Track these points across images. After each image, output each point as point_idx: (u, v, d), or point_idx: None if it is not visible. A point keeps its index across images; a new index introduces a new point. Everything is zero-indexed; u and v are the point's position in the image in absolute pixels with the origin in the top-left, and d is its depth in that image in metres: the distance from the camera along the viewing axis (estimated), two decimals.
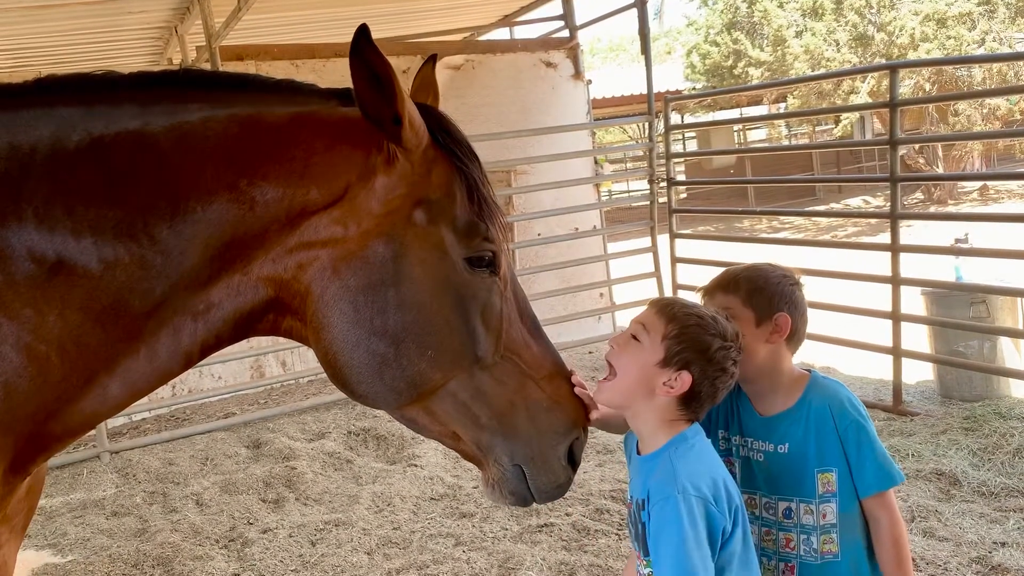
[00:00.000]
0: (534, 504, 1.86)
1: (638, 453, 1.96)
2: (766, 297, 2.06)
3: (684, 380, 1.83)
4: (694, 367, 1.83)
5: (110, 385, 1.57)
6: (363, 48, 1.53)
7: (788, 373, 2.10)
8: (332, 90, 1.75)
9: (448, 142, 1.73)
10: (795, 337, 2.09)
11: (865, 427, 2.03)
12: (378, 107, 1.59)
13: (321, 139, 1.65)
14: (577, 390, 1.89)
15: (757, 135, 30.85)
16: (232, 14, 5.85)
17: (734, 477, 2.13)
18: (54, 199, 1.48)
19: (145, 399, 7.54)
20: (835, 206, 22.27)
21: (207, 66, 6.27)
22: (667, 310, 1.89)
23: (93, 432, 6.62)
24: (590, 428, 1.96)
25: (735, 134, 27.64)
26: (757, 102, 25.86)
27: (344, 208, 1.65)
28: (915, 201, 21.30)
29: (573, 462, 1.86)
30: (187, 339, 1.61)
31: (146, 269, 1.53)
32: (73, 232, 1.48)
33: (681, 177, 25.26)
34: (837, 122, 21.55)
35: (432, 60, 2.06)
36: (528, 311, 1.86)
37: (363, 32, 1.53)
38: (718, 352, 1.84)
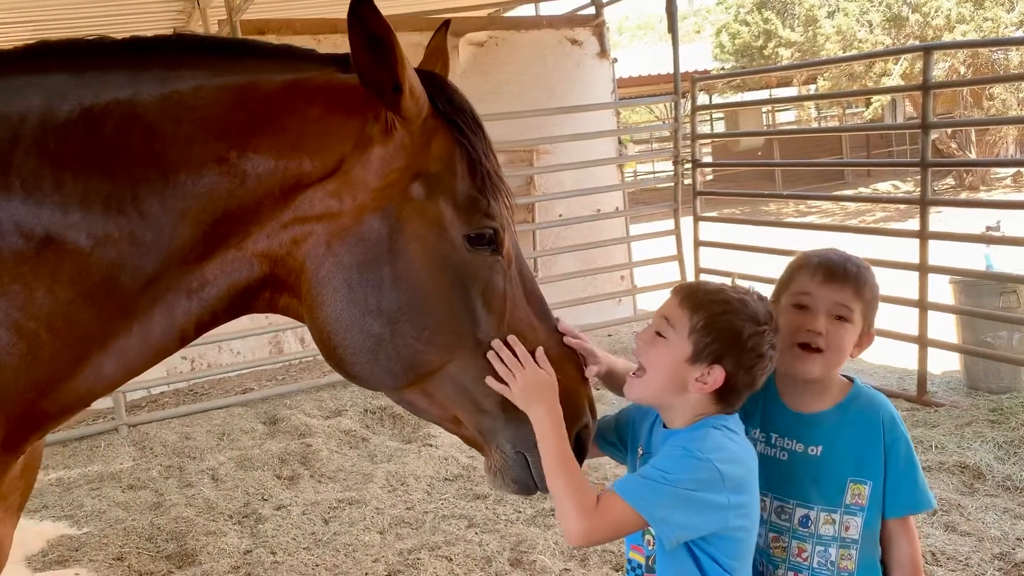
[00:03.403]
0: (539, 492, 1.78)
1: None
2: None
3: (717, 375, 1.72)
4: (727, 360, 1.71)
5: (104, 363, 1.54)
6: (362, 9, 1.45)
7: (832, 375, 1.98)
8: (331, 56, 1.67)
9: (450, 112, 1.65)
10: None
11: (911, 446, 1.93)
12: (377, 73, 1.51)
13: (315, 108, 1.58)
14: (571, 340, 1.81)
15: (786, 117, 30.38)
16: None
17: None
18: (42, 171, 1.44)
19: (164, 372, 7.56)
20: (864, 190, 21.95)
21: None
22: (691, 299, 1.76)
23: (111, 405, 6.67)
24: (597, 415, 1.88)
25: (764, 116, 27.27)
26: (787, 83, 25.45)
27: (339, 181, 1.58)
28: (946, 187, 20.92)
29: (581, 450, 1.79)
30: (181, 316, 1.57)
31: (136, 245, 1.48)
32: (61, 206, 1.44)
33: (708, 159, 25.11)
34: (868, 105, 21.20)
35: (445, 26, 1.98)
36: (535, 292, 1.78)
37: None
38: (751, 338, 1.71)
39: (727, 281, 1.95)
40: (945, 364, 6.54)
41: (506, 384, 1.67)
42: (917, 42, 17.75)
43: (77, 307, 1.47)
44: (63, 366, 1.51)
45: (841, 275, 1.90)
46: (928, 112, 5.70)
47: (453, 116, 1.65)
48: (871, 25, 19.09)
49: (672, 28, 7.82)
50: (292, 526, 4.73)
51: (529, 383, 1.66)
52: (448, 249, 1.62)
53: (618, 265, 8.78)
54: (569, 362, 1.78)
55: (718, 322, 1.72)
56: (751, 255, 7.40)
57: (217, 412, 6.80)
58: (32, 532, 4.91)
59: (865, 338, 1.93)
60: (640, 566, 1.84)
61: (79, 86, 1.48)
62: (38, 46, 1.51)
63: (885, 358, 6.91)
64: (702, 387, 1.72)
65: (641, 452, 1.93)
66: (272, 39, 7.10)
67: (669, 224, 8.58)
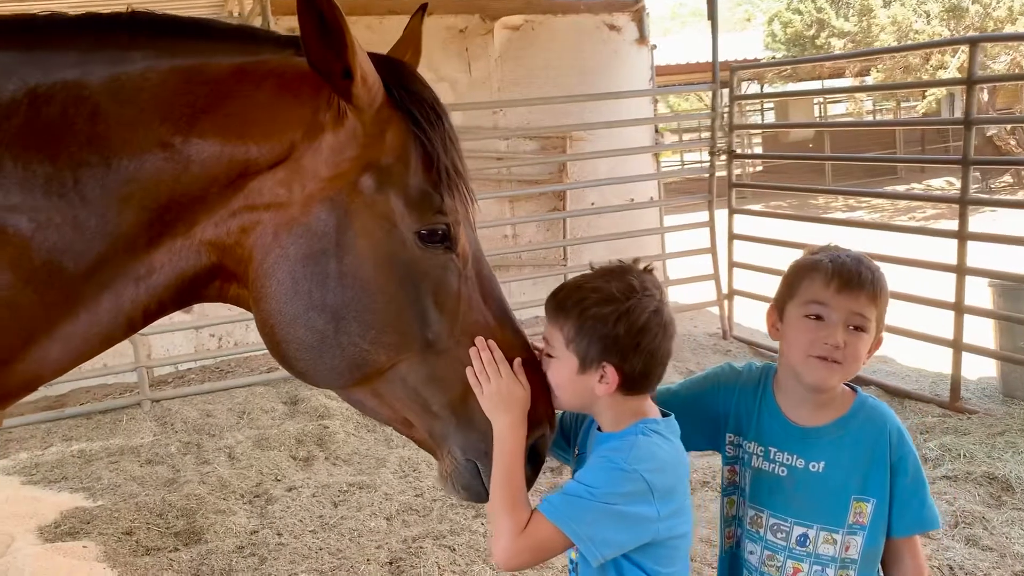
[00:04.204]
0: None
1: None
2: None
3: (610, 373, 1.65)
4: (610, 354, 1.64)
5: (50, 348, 1.51)
6: None
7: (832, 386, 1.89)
8: (290, 38, 1.61)
9: (408, 102, 1.58)
10: None
11: (919, 462, 1.83)
12: (327, 59, 1.46)
13: (263, 92, 1.53)
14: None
15: (839, 109, 29.63)
16: None
17: (740, 490, 1.95)
18: None
19: (192, 349, 7.59)
20: (916, 186, 21.34)
21: (258, 21, 6.21)
22: (553, 312, 1.71)
23: (135, 379, 6.76)
24: None
25: (816, 107, 26.62)
26: (840, 74, 24.82)
27: (289, 169, 1.53)
28: (1003, 185, 20.21)
29: (537, 459, 1.72)
30: (128, 304, 1.54)
31: (80, 230, 1.45)
32: (2, 189, 1.41)
33: (759, 150, 24.54)
34: (923, 98, 20.56)
35: (421, 10, 1.92)
36: (495, 293, 1.71)
37: None
38: (621, 321, 1.63)
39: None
40: (981, 370, 6.29)
41: (479, 384, 1.62)
42: (976, 34, 17.14)
43: (18, 291, 1.44)
44: (7, 351, 1.48)
45: (857, 282, 1.79)
46: (972, 107, 5.46)
47: (410, 106, 1.58)
48: (928, 16, 18.47)
49: (712, 15, 7.61)
50: (301, 508, 4.73)
51: (503, 391, 1.61)
52: (397, 245, 1.56)
53: (651, 256, 8.59)
54: (530, 368, 1.70)
55: (584, 323, 1.65)
56: (786, 250, 7.22)
57: (239, 390, 6.85)
58: (49, 503, 4.99)
59: (875, 343, 1.83)
60: (576, 567, 1.78)
61: (27, 64, 1.45)
62: None
63: (918, 361, 6.69)
64: (606, 388, 1.66)
65: (576, 452, 1.87)
66: None
67: (705, 216, 8.41)
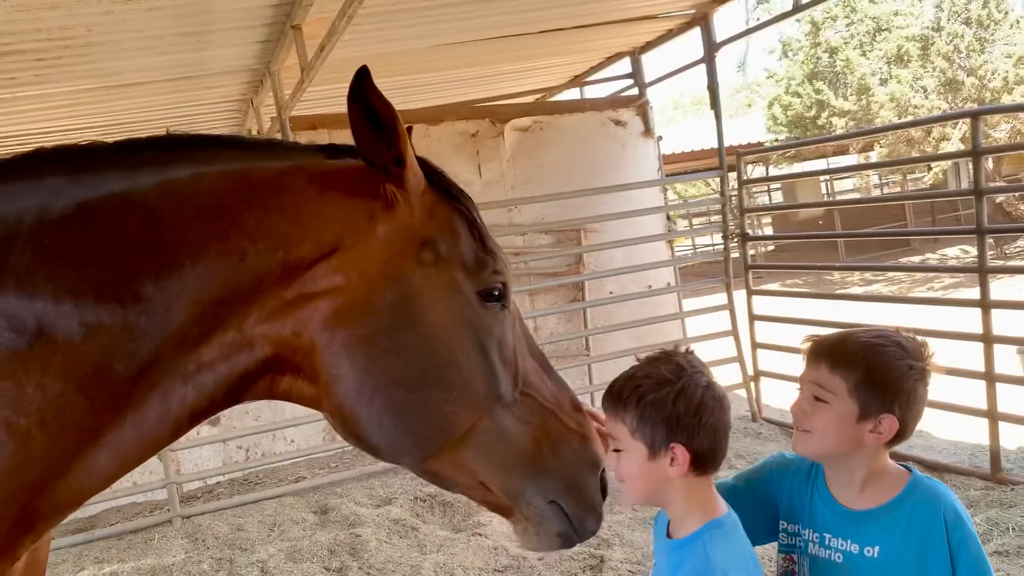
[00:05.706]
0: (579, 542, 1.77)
1: (668, 536, 1.80)
2: (880, 392, 1.80)
3: (680, 454, 1.72)
4: (676, 435, 1.71)
5: (97, 457, 1.51)
6: (364, 90, 1.52)
7: (882, 468, 1.87)
8: (316, 146, 1.77)
9: (442, 183, 1.75)
10: (900, 437, 1.84)
11: (979, 544, 1.79)
12: (380, 150, 1.60)
13: (313, 187, 1.64)
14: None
15: (845, 185, 29.93)
16: (296, 86, 6.00)
17: None
18: (36, 265, 1.44)
19: (220, 463, 7.55)
20: (931, 256, 21.35)
21: (278, 136, 6.44)
22: (615, 406, 1.78)
23: (165, 496, 6.72)
24: None
25: (823, 185, 26.91)
26: (844, 151, 25.20)
27: (344, 256, 1.62)
28: (1018, 250, 20.18)
29: (604, 491, 1.81)
30: (176, 404, 1.54)
31: (130, 330, 1.47)
32: (53, 297, 1.44)
33: (769, 231, 24.66)
34: (929, 170, 20.81)
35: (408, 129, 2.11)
36: (535, 347, 1.85)
37: (363, 74, 1.52)
38: (678, 402, 1.71)
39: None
40: (1020, 439, 6.17)
41: None
42: (975, 105, 17.46)
43: (69, 399, 1.45)
44: (56, 463, 1.48)
45: (818, 352, 1.88)
46: (980, 178, 5.54)
47: (445, 186, 1.75)
48: (926, 91, 18.87)
49: (715, 105, 7.83)
50: None
51: None
52: (466, 308, 1.68)
53: (672, 341, 8.60)
54: (581, 410, 1.81)
55: (644, 409, 1.73)
56: (809, 329, 7.19)
57: (269, 502, 6.79)
58: None
59: (877, 422, 1.80)
60: None
61: (74, 185, 1.51)
62: (34, 153, 1.54)
63: (954, 434, 6.57)
64: (679, 469, 1.72)
65: (651, 564, 1.89)
66: (323, 134, 7.28)
67: (723, 298, 8.43)
